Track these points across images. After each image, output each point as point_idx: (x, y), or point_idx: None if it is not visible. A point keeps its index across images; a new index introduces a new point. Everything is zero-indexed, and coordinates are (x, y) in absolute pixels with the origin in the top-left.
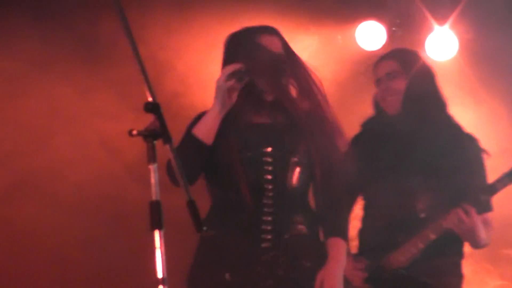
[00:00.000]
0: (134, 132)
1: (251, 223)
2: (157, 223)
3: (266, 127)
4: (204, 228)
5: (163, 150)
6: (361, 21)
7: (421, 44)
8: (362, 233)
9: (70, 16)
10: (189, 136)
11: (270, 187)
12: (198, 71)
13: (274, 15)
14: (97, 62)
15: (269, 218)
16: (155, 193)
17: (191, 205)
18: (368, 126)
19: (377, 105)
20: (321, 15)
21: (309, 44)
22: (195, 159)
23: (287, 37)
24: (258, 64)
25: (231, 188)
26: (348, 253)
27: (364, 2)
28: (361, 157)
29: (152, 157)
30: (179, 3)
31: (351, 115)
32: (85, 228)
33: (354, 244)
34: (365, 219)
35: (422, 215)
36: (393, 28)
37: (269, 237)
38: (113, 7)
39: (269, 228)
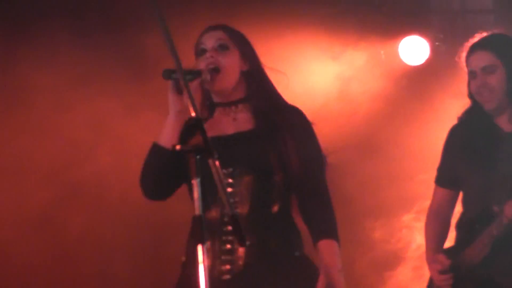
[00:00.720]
0: (178, 147)
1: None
2: (199, 238)
3: (228, 140)
4: (248, 242)
5: None
6: (404, 36)
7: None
8: (458, 226)
9: (116, 32)
10: (152, 146)
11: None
12: None
13: (321, 31)
14: (142, 77)
15: (230, 247)
16: (198, 208)
17: (234, 220)
18: (465, 118)
19: (471, 96)
20: (365, 30)
21: (355, 59)
22: (161, 167)
23: (334, 53)
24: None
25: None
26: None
27: (407, 17)
28: (460, 149)
29: (195, 172)
30: (224, 19)
31: (396, 129)
32: (130, 237)
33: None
34: (462, 212)
35: (496, 209)
36: (436, 43)
37: (228, 267)
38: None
39: (228, 258)
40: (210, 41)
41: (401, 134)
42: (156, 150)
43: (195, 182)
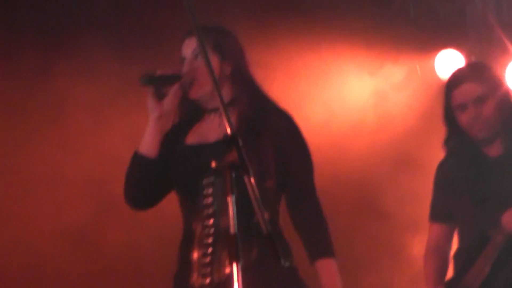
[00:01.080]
0: (213, 164)
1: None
2: (234, 256)
3: (211, 147)
4: (287, 263)
5: None
6: (440, 50)
7: (501, 72)
8: (455, 257)
9: (153, 47)
10: (133, 156)
11: (211, 222)
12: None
13: (358, 45)
14: None
15: (208, 259)
16: (233, 226)
17: (269, 238)
18: (452, 151)
19: (457, 128)
20: (401, 44)
21: (392, 74)
22: (143, 175)
23: (371, 68)
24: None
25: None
26: None
27: (442, 30)
28: (450, 183)
29: (230, 188)
30: (264, 39)
31: (433, 144)
32: (166, 251)
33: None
34: (459, 244)
35: (491, 233)
36: (472, 57)
37: (208, 270)
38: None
39: (208, 270)
40: (187, 50)
41: (438, 149)
42: (138, 158)
43: (230, 199)
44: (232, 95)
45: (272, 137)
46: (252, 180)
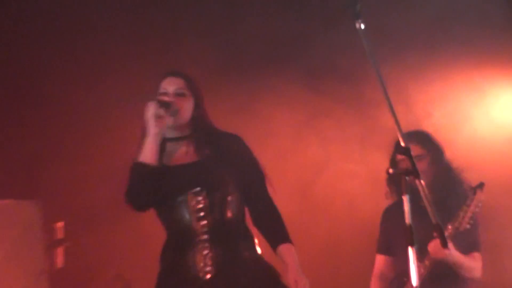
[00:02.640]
0: (391, 171)
1: (192, 257)
2: (410, 242)
3: (193, 166)
4: (448, 245)
5: None
6: None
7: None
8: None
9: (339, 79)
10: (135, 164)
11: (204, 223)
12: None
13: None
14: (363, 110)
15: (207, 252)
16: (408, 218)
17: (438, 228)
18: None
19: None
20: None
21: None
22: (146, 182)
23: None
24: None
25: (172, 226)
26: None
27: None
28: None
29: (405, 189)
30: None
31: None
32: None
33: None
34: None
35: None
36: None
37: (208, 269)
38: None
39: (208, 262)
40: (171, 87)
41: None
42: (141, 166)
43: (405, 198)
44: (190, 130)
45: (227, 158)
46: (423, 182)
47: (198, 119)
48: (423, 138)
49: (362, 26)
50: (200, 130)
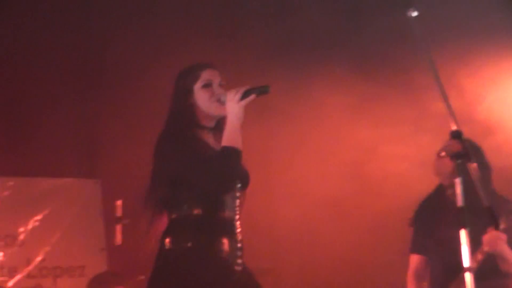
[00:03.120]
0: (443, 153)
1: (228, 246)
2: (462, 223)
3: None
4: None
5: None
6: None
7: None
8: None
9: (390, 69)
10: (226, 148)
11: (238, 217)
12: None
13: None
14: (415, 94)
15: (240, 245)
16: (460, 201)
17: (490, 210)
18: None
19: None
20: None
21: None
22: (237, 165)
23: None
24: None
25: (210, 212)
26: None
27: None
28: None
29: (457, 172)
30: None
31: None
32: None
33: None
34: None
35: None
36: None
37: (240, 261)
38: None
39: (240, 253)
40: (216, 78)
41: None
42: (237, 152)
43: (458, 181)
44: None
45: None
46: (475, 165)
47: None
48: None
49: (414, 14)
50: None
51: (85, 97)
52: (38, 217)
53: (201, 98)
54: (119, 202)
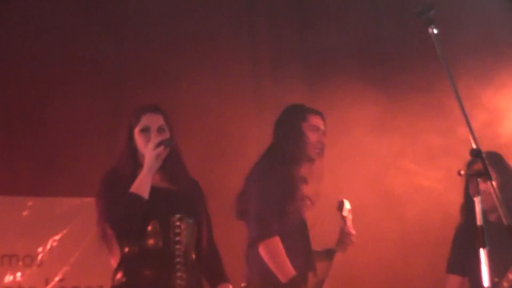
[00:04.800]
0: (462, 172)
1: (167, 278)
2: (481, 243)
3: (172, 192)
4: None
5: None
6: None
7: None
8: None
9: (409, 78)
10: (130, 194)
11: (178, 247)
12: None
13: None
14: (438, 110)
15: (180, 274)
16: (479, 219)
17: (510, 229)
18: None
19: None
20: None
21: None
22: (138, 212)
23: None
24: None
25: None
26: None
27: None
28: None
29: (476, 191)
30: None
31: None
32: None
33: None
34: None
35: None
36: None
37: None
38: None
39: (182, 283)
40: (154, 124)
41: None
42: (136, 198)
43: (477, 200)
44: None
45: (193, 194)
46: (494, 184)
47: (172, 151)
48: (495, 160)
49: (435, 31)
50: (173, 162)
51: (104, 118)
52: (57, 237)
53: (139, 143)
54: None
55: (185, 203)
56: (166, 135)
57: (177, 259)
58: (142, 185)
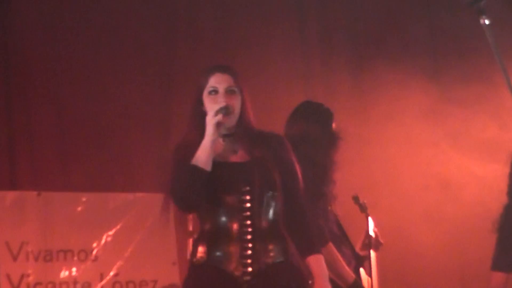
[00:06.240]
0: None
1: (235, 256)
2: None
3: (242, 165)
4: None
5: None
6: None
7: None
8: None
9: (465, 67)
10: (191, 166)
11: (249, 222)
12: None
13: None
14: (490, 105)
15: (249, 252)
16: None
17: None
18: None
19: None
20: None
21: None
22: (199, 186)
23: None
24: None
25: (217, 222)
26: None
27: None
28: None
29: None
30: None
31: None
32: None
33: None
34: None
35: None
36: None
37: (250, 269)
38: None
39: (249, 261)
40: (222, 85)
41: None
42: (198, 170)
43: None
44: (235, 128)
45: (273, 160)
46: None
47: (244, 117)
48: None
49: (487, 22)
50: (246, 129)
51: (155, 112)
52: (111, 232)
53: (207, 107)
54: (190, 216)
55: (259, 175)
56: (236, 98)
57: (253, 235)
58: (202, 156)
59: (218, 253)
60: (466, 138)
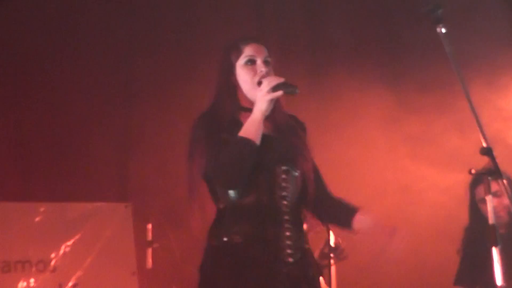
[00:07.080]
0: (473, 171)
1: (275, 236)
2: (494, 242)
3: (276, 141)
4: None
5: None
6: None
7: None
8: None
9: (422, 75)
10: (240, 139)
11: (285, 203)
12: None
13: None
14: (447, 111)
15: (289, 234)
16: (491, 218)
17: None
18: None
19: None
20: None
21: None
22: (249, 159)
23: None
24: None
25: (253, 198)
26: None
27: None
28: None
29: (488, 190)
30: None
31: None
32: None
33: None
34: None
35: None
36: None
37: (290, 251)
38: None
39: (290, 243)
40: (260, 55)
41: None
42: (246, 142)
43: (488, 198)
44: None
45: (295, 134)
46: (505, 181)
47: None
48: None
49: (444, 30)
50: (274, 106)
51: (115, 121)
52: (70, 242)
53: (242, 77)
54: (149, 226)
55: (289, 153)
56: (271, 70)
57: (285, 216)
58: (253, 129)
59: (260, 232)
60: (424, 144)
